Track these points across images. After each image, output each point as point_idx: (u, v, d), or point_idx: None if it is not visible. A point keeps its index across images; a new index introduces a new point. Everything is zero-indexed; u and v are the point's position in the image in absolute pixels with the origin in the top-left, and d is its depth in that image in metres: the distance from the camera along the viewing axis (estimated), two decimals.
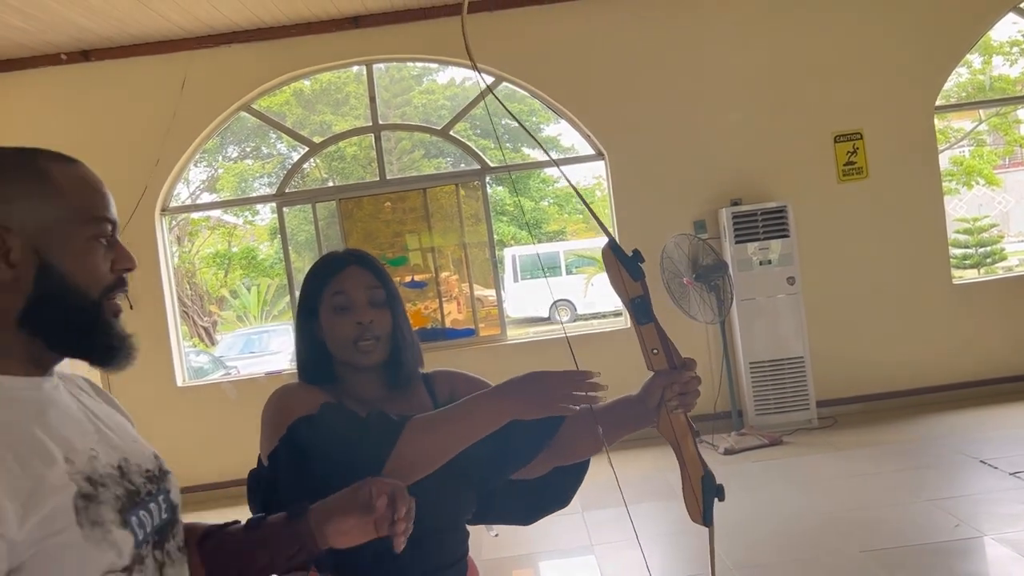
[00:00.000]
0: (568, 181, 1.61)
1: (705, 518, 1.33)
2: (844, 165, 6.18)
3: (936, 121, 6.38)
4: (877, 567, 3.56)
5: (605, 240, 1.37)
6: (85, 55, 5.98)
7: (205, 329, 13.85)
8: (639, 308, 1.33)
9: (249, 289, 15.15)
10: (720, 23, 6.13)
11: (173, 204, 6.64)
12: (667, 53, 6.14)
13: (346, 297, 1.54)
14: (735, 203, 6.01)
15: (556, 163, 1.89)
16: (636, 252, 1.33)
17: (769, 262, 5.92)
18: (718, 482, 1.38)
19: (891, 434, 5.55)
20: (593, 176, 15.73)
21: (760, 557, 3.87)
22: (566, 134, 15.66)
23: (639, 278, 1.33)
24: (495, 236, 6.72)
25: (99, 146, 6.05)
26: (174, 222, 6.40)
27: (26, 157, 1.02)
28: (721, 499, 1.32)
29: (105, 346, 1.03)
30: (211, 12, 5.56)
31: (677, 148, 6.11)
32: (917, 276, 6.18)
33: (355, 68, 7.62)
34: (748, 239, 5.90)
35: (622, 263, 1.32)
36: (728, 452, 5.46)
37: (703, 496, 1.32)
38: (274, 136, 15.48)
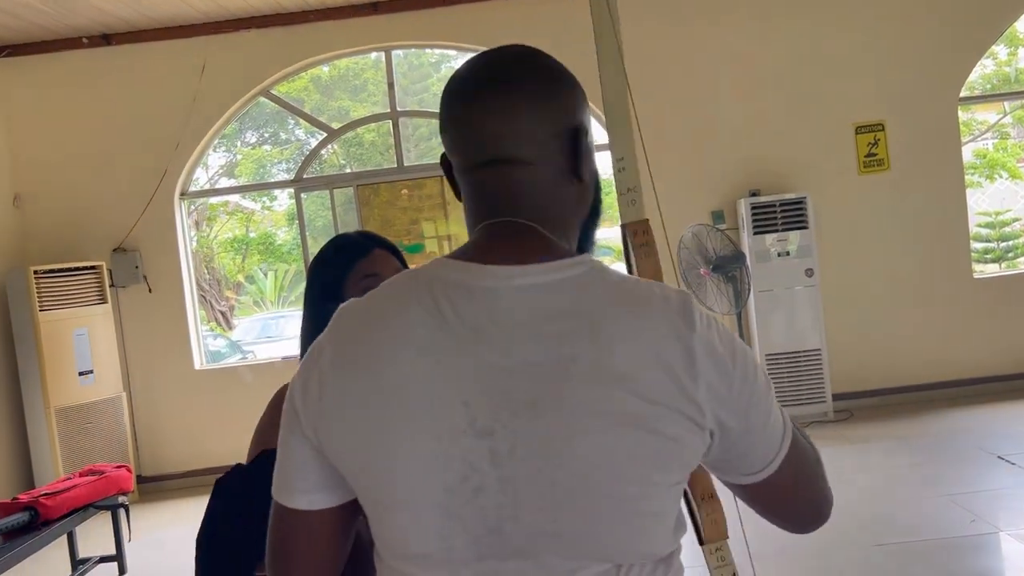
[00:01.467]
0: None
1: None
2: (865, 157, 6.12)
3: (960, 113, 6.30)
4: (891, 561, 3.55)
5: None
6: (106, 39, 6.00)
7: (223, 313, 13.94)
8: None
9: (266, 274, 15.22)
10: (740, 11, 6.07)
11: (192, 189, 6.67)
12: (686, 41, 6.09)
13: (380, 279, 1.50)
14: (754, 194, 5.97)
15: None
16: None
17: (787, 253, 5.88)
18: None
19: (907, 428, 5.52)
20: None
21: (770, 547, 3.86)
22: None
23: None
24: None
25: (120, 129, 6.09)
26: (193, 207, 6.45)
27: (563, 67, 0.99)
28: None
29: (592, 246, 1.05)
30: None
31: (695, 138, 6.07)
32: (937, 270, 6.12)
33: (373, 54, 7.62)
34: (766, 230, 5.87)
35: None
36: None
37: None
38: (292, 122, 15.50)
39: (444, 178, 1.00)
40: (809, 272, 5.86)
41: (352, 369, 0.87)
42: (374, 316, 0.89)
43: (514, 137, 0.90)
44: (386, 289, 0.91)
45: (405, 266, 1.55)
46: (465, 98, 0.92)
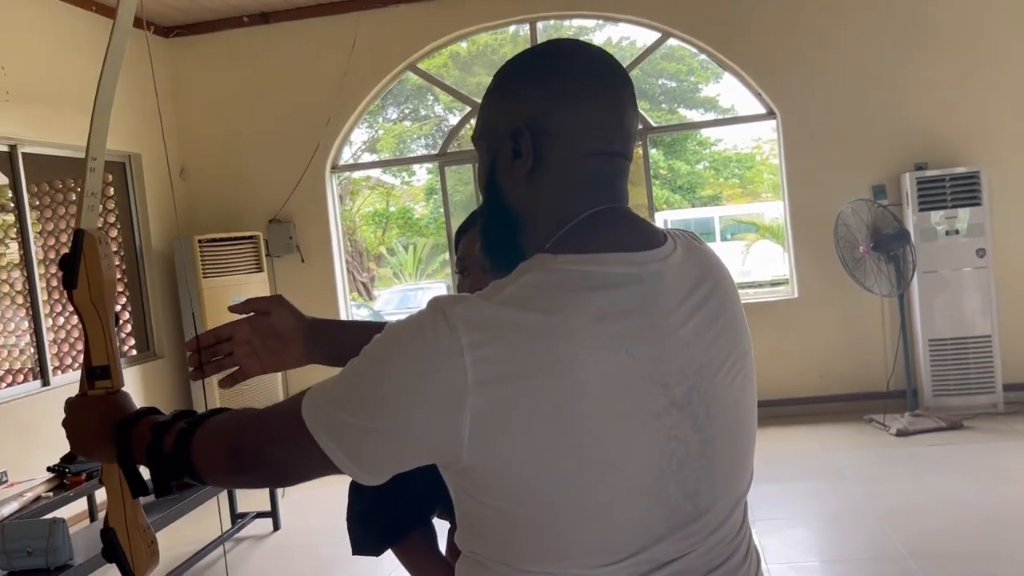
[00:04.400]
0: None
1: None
2: None
3: None
4: None
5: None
6: (264, 17, 6.24)
7: (364, 284, 14.45)
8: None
9: (406, 248, 15.64)
10: None
11: (340, 163, 6.88)
12: (850, 1, 5.71)
13: (462, 262, 1.52)
14: (920, 167, 5.56)
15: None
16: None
17: (956, 232, 5.46)
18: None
19: None
20: (752, 139, 15.05)
21: (936, 546, 3.62)
22: (726, 94, 15.04)
23: None
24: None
25: (276, 105, 6.33)
26: (338, 181, 6.66)
27: None
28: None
29: None
30: None
31: (857, 106, 5.70)
32: None
33: (511, 28, 7.60)
34: (934, 207, 5.46)
35: None
36: (901, 433, 5.13)
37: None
38: (431, 98, 15.77)
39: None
40: (981, 252, 5.43)
41: (537, 377, 0.80)
42: (540, 309, 0.82)
43: (632, 137, 0.96)
44: (535, 291, 0.84)
45: None
46: (605, 86, 0.93)
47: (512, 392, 0.80)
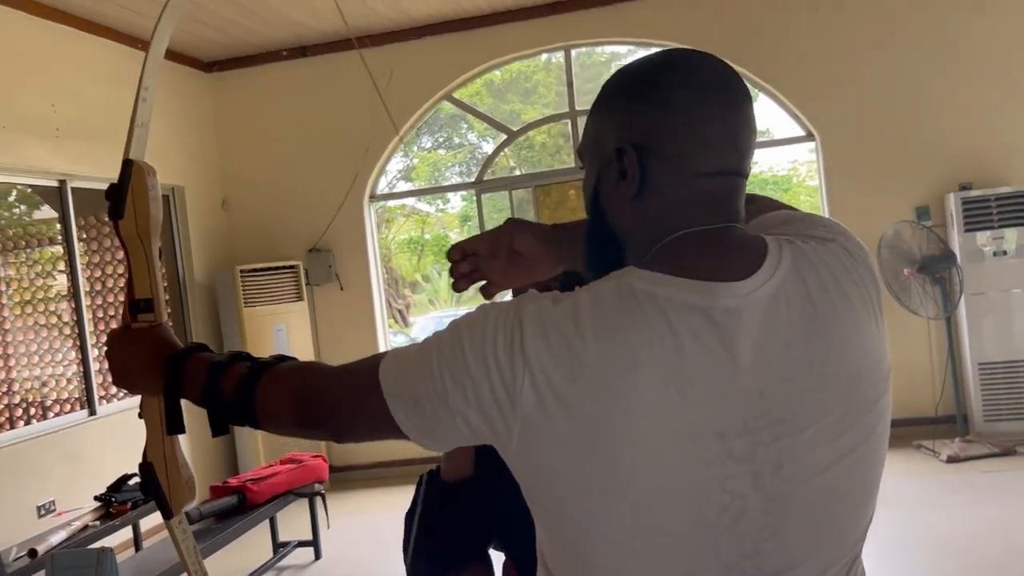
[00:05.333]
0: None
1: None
2: None
3: None
4: None
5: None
6: (303, 51, 6.35)
7: (399, 311, 14.52)
8: None
9: (440, 274, 15.72)
10: None
11: (377, 192, 6.95)
12: (889, 20, 5.66)
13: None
14: (965, 187, 5.47)
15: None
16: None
17: (1004, 253, 5.35)
18: None
19: None
20: (788, 161, 14.94)
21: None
22: (760, 117, 14.93)
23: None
24: None
25: (314, 136, 6.42)
26: (375, 210, 6.73)
27: None
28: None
29: None
30: (418, 4, 5.73)
31: (898, 126, 5.63)
32: None
33: (543, 56, 7.64)
34: (980, 227, 5.36)
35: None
36: (951, 460, 5.00)
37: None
38: (465, 126, 15.91)
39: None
40: None
41: (577, 399, 0.78)
42: (596, 327, 0.79)
43: (750, 154, 0.88)
44: (598, 306, 0.81)
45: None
46: (719, 99, 0.86)
47: (555, 404, 0.78)
